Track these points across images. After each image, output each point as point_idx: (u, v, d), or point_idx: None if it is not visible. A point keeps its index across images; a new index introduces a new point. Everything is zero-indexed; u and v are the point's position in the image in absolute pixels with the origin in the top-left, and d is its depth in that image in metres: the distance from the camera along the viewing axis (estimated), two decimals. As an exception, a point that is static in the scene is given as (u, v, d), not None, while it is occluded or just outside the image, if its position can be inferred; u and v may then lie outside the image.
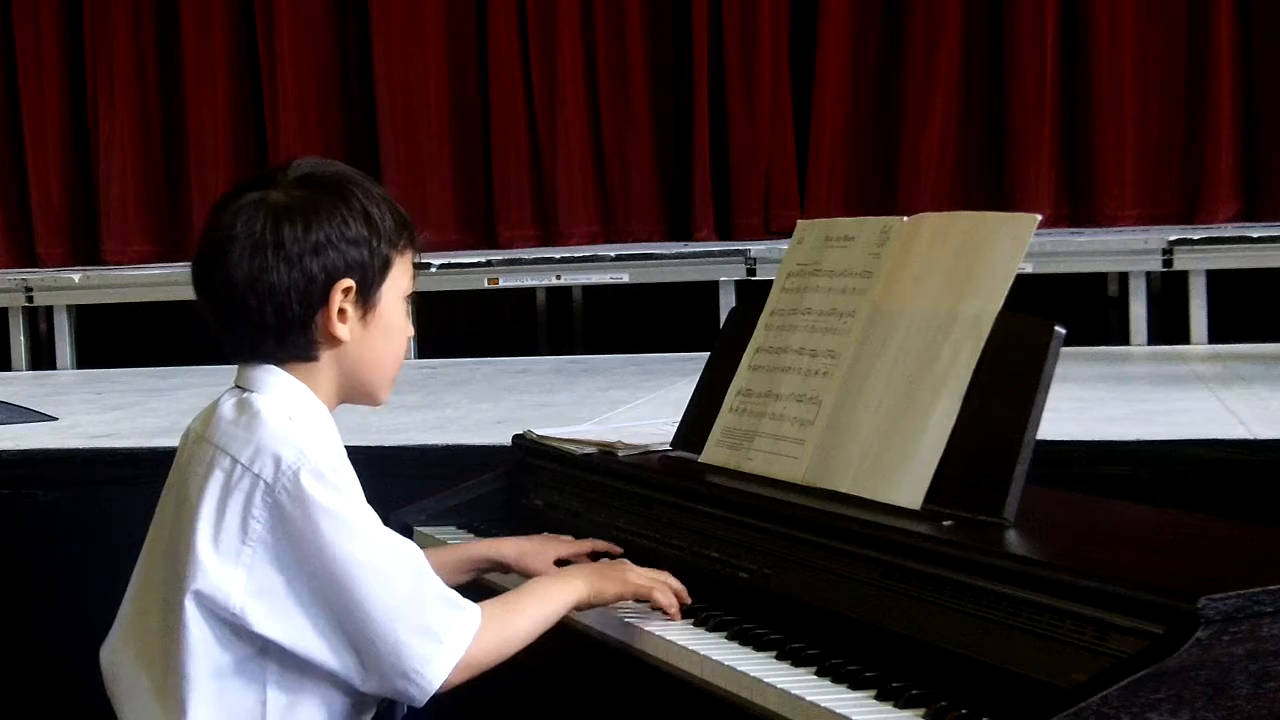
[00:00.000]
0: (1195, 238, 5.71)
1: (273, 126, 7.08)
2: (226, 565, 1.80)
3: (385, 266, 1.96)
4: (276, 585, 1.80)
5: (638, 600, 2.04)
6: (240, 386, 1.94)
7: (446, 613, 1.85)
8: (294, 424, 1.87)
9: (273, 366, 1.92)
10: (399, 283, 1.99)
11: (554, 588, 2.02)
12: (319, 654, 1.81)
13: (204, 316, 1.96)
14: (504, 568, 2.27)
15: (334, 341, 1.92)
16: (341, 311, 1.92)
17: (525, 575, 2.22)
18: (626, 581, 2.03)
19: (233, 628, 1.81)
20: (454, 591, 1.90)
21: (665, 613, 2.02)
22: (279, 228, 1.88)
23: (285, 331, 1.90)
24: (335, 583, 1.80)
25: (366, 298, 1.94)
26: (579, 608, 2.01)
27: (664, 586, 2.04)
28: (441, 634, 1.83)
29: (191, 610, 1.80)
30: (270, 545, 1.80)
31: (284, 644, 1.81)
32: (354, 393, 1.98)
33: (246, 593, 1.80)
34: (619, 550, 2.29)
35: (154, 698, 1.85)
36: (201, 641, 1.81)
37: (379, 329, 1.96)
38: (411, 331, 2.04)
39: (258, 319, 1.89)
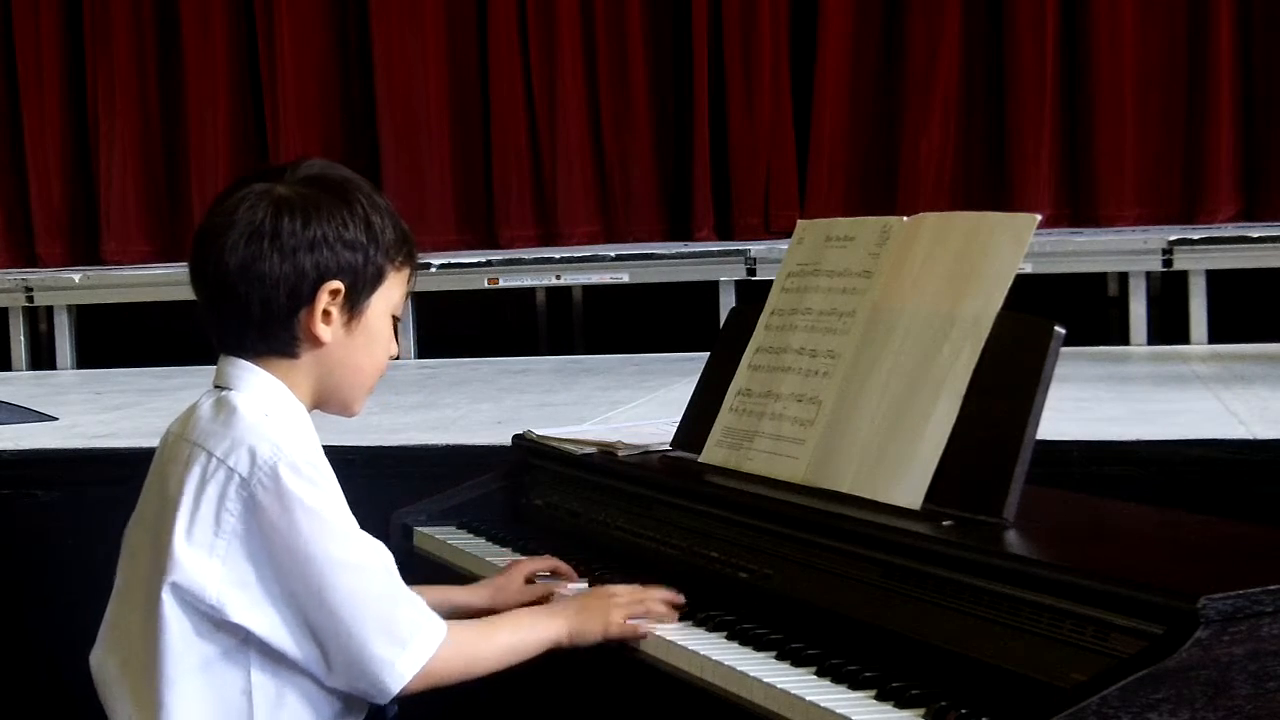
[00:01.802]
0: (1195, 238, 5.71)
1: (273, 126, 7.08)
2: (201, 558, 1.80)
3: (378, 277, 1.95)
4: (249, 577, 1.81)
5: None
6: (219, 385, 1.94)
7: (414, 618, 1.85)
8: (271, 420, 1.87)
9: (251, 364, 1.93)
10: (390, 297, 1.97)
11: (533, 622, 2.01)
12: (287, 646, 1.82)
13: (196, 304, 1.96)
14: (482, 612, 2.22)
15: (315, 342, 1.92)
16: (327, 313, 1.91)
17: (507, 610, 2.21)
18: (609, 625, 1.99)
19: (213, 620, 1.82)
20: (422, 600, 1.89)
21: (645, 633, 1.99)
22: (278, 218, 1.89)
23: (269, 324, 1.90)
24: (307, 577, 1.80)
25: (354, 304, 1.93)
26: (560, 647, 1.98)
27: (652, 607, 2.02)
28: (407, 639, 1.83)
29: (170, 603, 1.81)
30: (243, 537, 1.81)
31: (258, 634, 1.82)
32: (329, 398, 1.98)
33: (223, 584, 1.80)
34: (566, 568, 2.28)
35: (137, 699, 1.85)
36: (182, 636, 1.82)
37: (362, 338, 1.95)
38: (395, 350, 2.02)
39: (244, 308, 1.89)
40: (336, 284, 1.91)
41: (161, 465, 1.93)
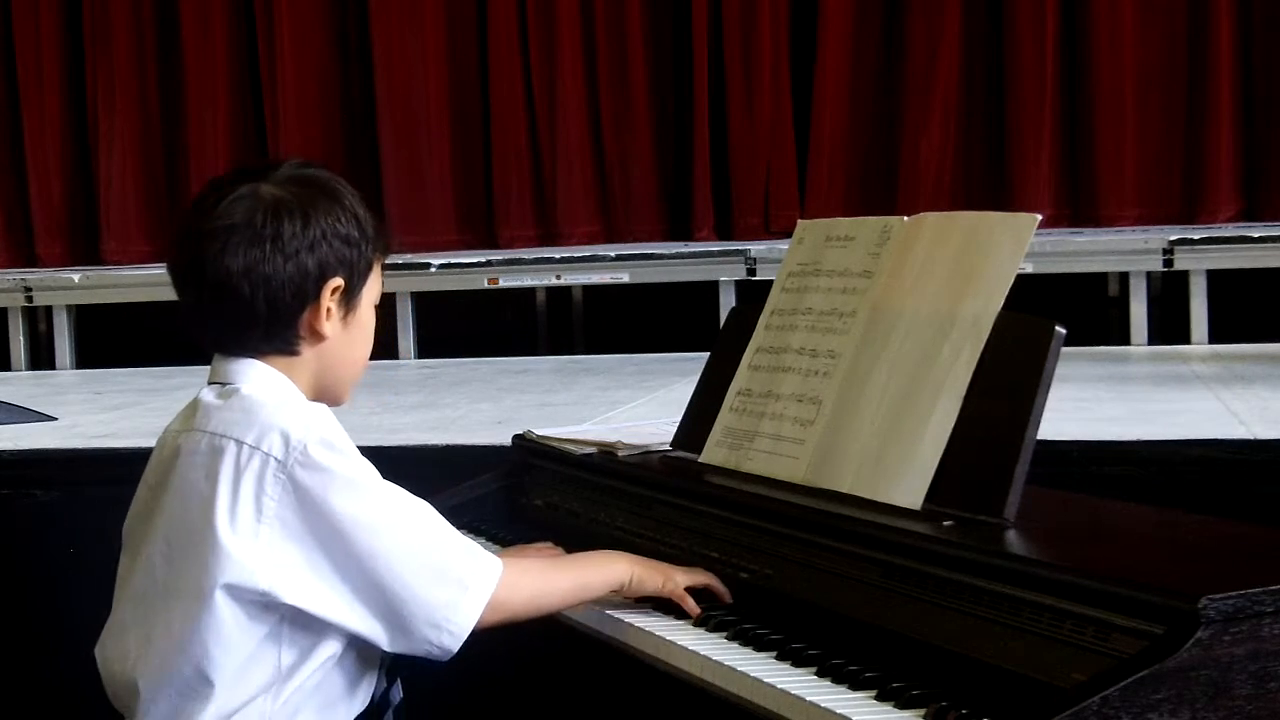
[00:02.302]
0: (1195, 238, 5.71)
1: (273, 126, 7.08)
2: (246, 547, 1.81)
3: (368, 269, 1.99)
4: (298, 559, 1.82)
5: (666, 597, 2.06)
6: (219, 382, 1.94)
7: (468, 559, 1.89)
8: (286, 402, 1.90)
9: (251, 360, 1.94)
10: (374, 287, 2.02)
11: (600, 561, 2.08)
12: (347, 620, 1.84)
13: (185, 306, 1.96)
14: None
15: (317, 338, 1.94)
16: (328, 309, 1.94)
17: None
18: (668, 578, 2.06)
19: (261, 605, 1.83)
20: (470, 540, 1.93)
21: (689, 613, 2.03)
22: (279, 220, 1.90)
23: (273, 323, 1.92)
24: (358, 547, 1.82)
25: (350, 298, 1.96)
26: (619, 590, 2.04)
27: (712, 583, 2.07)
28: (466, 580, 1.87)
29: (224, 601, 1.81)
30: (288, 520, 1.82)
31: (313, 612, 1.83)
32: (323, 391, 1.99)
33: (271, 570, 1.81)
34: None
35: (176, 691, 1.85)
36: (237, 625, 1.83)
37: (356, 330, 1.99)
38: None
39: (249, 309, 1.90)
40: (338, 280, 1.93)
41: (168, 461, 1.92)
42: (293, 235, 1.90)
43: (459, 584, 1.86)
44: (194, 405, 1.94)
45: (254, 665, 1.84)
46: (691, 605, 2.03)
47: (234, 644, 1.83)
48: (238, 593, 1.81)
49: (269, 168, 1.97)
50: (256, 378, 1.93)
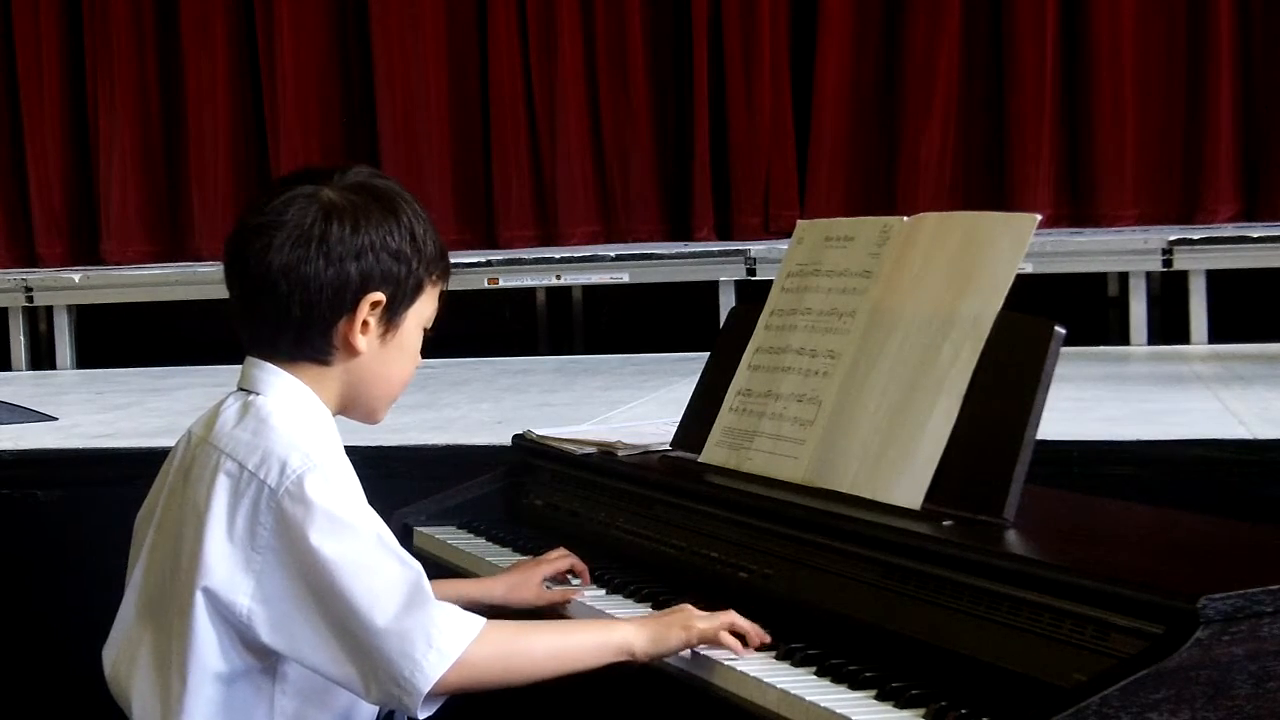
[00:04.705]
0: (1195, 238, 5.71)
1: (273, 127, 7.08)
2: (238, 570, 1.79)
3: (417, 289, 1.94)
4: (283, 591, 1.79)
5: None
6: (244, 389, 1.92)
7: (442, 619, 1.80)
8: (299, 427, 1.86)
9: (278, 368, 1.91)
10: (423, 310, 1.97)
11: (587, 627, 2.00)
12: (322, 665, 1.79)
13: (230, 302, 1.94)
14: (496, 607, 2.19)
15: (351, 351, 1.91)
16: (365, 323, 1.90)
17: (521, 607, 2.21)
18: (692, 628, 1.89)
19: (241, 636, 1.81)
20: (454, 606, 1.85)
21: (735, 653, 1.88)
22: (328, 223, 1.87)
23: (307, 329, 1.88)
24: (330, 583, 1.77)
25: (392, 316, 1.92)
26: (633, 657, 1.89)
27: (738, 622, 1.91)
28: (434, 637, 1.77)
29: (201, 611, 1.80)
30: (276, 551, 1.79)
31: (289, 656, 1.80)
32: (354, 406, 1.97)
33: (254, 599, 1.79)
34: (582, 566, 2.26)
35: (160, 703, 1.85)
36: (209, 645, 1.81)
37: (395, 349, 1.94)
38: (420, 361, 2.00)
39: (284, 310, 1.87)
40: (379, 295, 1.90)
41: (184, 468, 1.91)
42: (339, 240, 1.86)
43: (427, 640, 1.77)
44: (216, 413, 1.92)
45: (231, 709, 1.82)
46: (731, 644, 1.88)
47: (205, 666, 1.81)
48: (217, 611, 1.80)
49: (336, 171, 1.93)
50: (282, 389, 1.90)
